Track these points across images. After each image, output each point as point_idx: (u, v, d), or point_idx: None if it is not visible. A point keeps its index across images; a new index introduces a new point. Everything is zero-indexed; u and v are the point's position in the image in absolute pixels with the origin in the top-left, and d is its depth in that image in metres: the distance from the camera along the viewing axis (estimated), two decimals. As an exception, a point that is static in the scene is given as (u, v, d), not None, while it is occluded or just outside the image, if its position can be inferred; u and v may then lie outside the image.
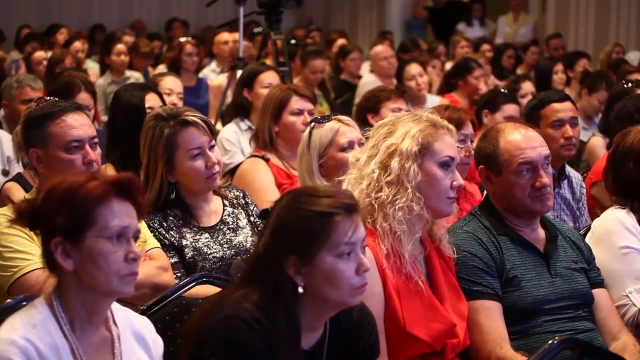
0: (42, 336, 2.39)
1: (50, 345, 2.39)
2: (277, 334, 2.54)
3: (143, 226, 3.36)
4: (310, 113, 4.88)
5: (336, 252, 2.57)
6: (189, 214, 3.62)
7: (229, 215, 3.69)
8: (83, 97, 5.20)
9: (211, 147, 3.60)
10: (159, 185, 3.57)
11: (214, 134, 3.67)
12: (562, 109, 4.75)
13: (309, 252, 2.57)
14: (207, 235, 3.61)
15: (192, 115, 3.60)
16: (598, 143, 5.96)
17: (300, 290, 2.58)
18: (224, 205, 3.72)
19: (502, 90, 6.50)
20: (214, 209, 3.69)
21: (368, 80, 8.85)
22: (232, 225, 3.67)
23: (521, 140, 3.46)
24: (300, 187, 2.68)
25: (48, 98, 3.81)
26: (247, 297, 2.58)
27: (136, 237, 2.48)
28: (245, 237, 3.67)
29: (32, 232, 2.90)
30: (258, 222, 3.70)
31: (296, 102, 4.88)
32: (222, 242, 3.61)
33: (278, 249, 2.59)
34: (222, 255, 3.59)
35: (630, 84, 6.15)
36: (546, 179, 3.44)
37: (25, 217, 2.45)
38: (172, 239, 3.56)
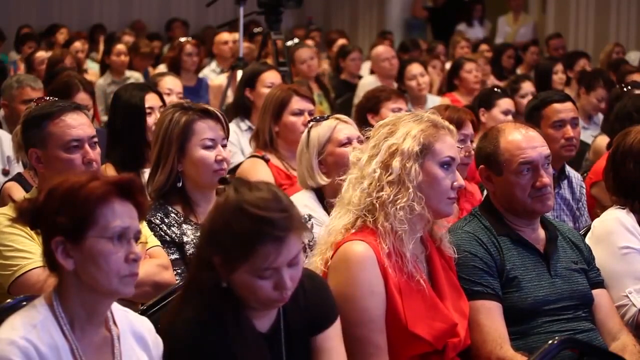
0: (42, 336, 2.39)
1: (50, 346, 2.39)
2: (226, 324, 2.59)
3: (143, 226, 3.36)
4: (310, 113, 4.88)
5: (255, 273, 2.58)
6: (190, 211, 3.64)
7: (229, 215, 3.70)
8: (82, 97, 5.21)
9: (224, 145, 3.64)
10: (169, 170, 3.60)
11: (228, 134, 3.71)
12: (563, 110, 4.75)
13: (230, 265, 2.59)
14: (207, 233, 3.62)
15: (213, 109, 3.67)
16: (604, 143, 5.95)
17: (224, 285, 2.62)
18: (225, 205, 3.73)
19: (494, 87, 6.51)
20: (215, 208, 3.70)
21: (368, 81, 8.85)
22: (233, 225, 3.69)
23: (522, 140, 3.46)
24: (240, 190, 2.61)
25: (48, 98, 3.81)
26: (197, 292, 2.63)
27: (137, 238, 2.48)
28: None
29: (32, 232, 2.91)
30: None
31: (297, 103, 4.89)
32: (222, 240, 3.62)
33: (207, 245, 2.63)
34: (223, 253, 3.60)
35: (628, 87, 6.15)
36: (547, 178, 3.44)
37: (26, 216, 2.45)
38: (174, 235, 3.57)
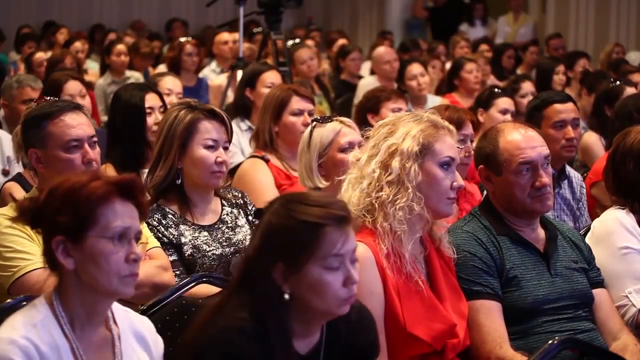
0: (42, 336, 2.39)
1: (50, 345, 2.39)
2: (269, 340, 2.51)
3: (143, 226, 3.37)
4: (310, 114, 4.88)
5: (324, 264, 2.52)
6: (187, 209, 3.64)
7: (227, 214, 3.71)
8: (72, 86, 5.22)
9: (225, 148, 3.66)
10: (169, 166, 3.61)
11: (231, 137, 3.72)
12: (564, 110, 4.75)
13: (296, 261, 2.52)
14: (205, 233, 3.63)
15: (220, 111, 3.68)
16: (592, 139, 5.95)
17: (287, 296, 2.54)
18: (223, 205, 3.74)
19: (493, 87, 6.50)
20: (212, 208, 3.71)
21: (368, 81, 8.85)
22: (231, 224, 3.69)
23: (521, 140, 3.46)
24: (292, 193, 2.65)
25: (48, 98, 3.81)
26: (239, 305, 2.55)
27: (137, 238, 2.48)
28: (244, 235, 3.68)
29: (32, 232, 2.91)
30: (256, 221, 3.70)
31: (296, 103, 4.88)
32: (220, 240, 3.63)
33: (266, 255, 2.55)
34: (221, 252, 3.61)
35: (618, 83, 6.15)
36: (546, 178, 3.44)
37: (27, 214, 2.45)
38: (171, 237, 3.57)
